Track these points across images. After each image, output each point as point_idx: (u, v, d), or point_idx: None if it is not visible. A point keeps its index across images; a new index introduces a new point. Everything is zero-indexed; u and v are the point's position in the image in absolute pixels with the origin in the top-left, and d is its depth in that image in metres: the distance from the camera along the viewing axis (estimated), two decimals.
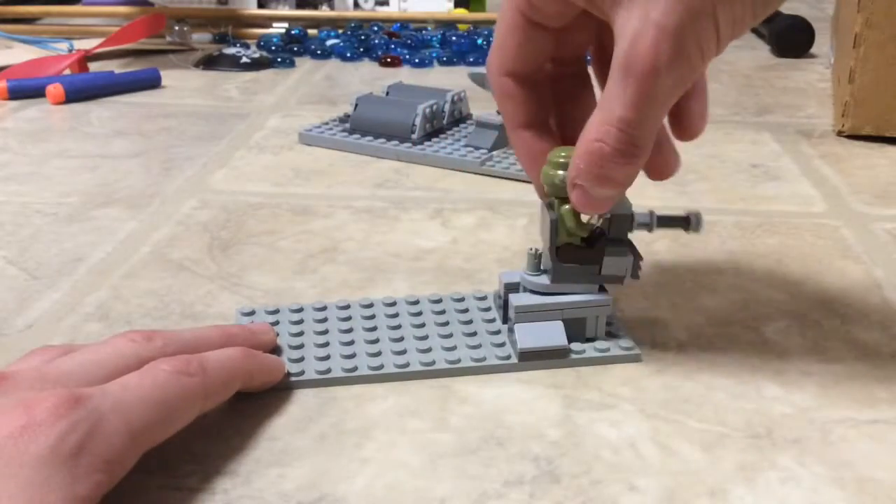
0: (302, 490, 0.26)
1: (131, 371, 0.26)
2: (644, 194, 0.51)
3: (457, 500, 0.26)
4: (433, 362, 0.32)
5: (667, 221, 0.34)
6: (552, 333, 0.33)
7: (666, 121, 0.31)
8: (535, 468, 0.27)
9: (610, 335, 0.34)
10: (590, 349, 0.33)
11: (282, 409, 0.30)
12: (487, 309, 0.36)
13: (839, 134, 0.62)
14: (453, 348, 0.33)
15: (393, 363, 0.32)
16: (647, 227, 0.33)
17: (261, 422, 0.30)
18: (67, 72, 0.76)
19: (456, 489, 0.26)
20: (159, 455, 0.27)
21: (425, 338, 0.34)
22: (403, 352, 0.33)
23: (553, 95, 0.34)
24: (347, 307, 0.36)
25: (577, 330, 0.34)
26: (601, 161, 0.28)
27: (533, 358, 0.33)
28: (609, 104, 0.27)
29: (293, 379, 0.31)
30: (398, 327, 0.35)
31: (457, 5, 1.04)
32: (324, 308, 0.36)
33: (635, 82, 0.26)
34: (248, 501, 0.26)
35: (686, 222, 0.33)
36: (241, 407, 0.30)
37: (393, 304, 0.36)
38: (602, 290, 0.34)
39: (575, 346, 0.33)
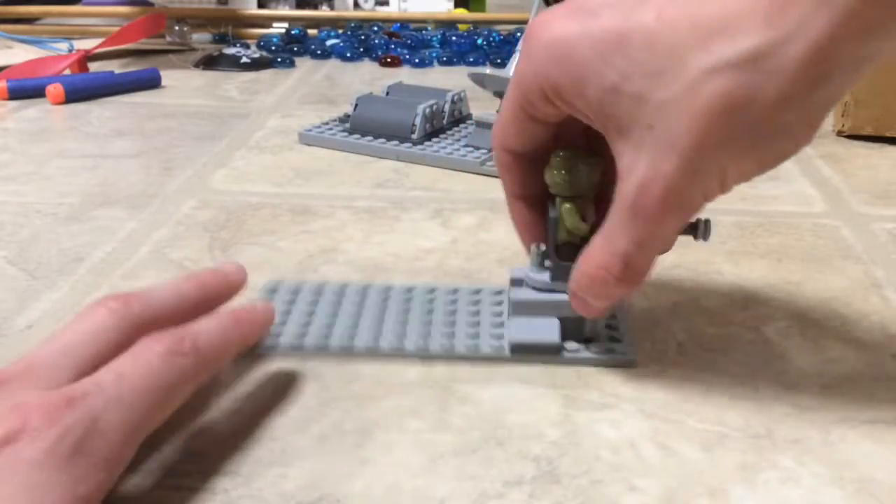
0: (302, 490, 0.26)
1: (116, 346, 0.26)
2: None
3: (457, 500, 0.26)
4: (427, 346, 0.33)
5: None
6: (546, 329, 0.33)
7: None
8: (535, 468, 0.27)
9: (612, 338, 0.34)
10: (584, 349, 0.33)
11: (282, 409, 0.30)
12: (500, 303, 0.36)
13: (839, 134, 0.62)
14: (451, 335, 0.34)
15: (389, 343, 0.33)
16: None
17: (261, 422, 0.30)
18: (67, 72, 0.76)
19: (456, 489, 0.26)
20: (159, 455, 0.27)
21: (429, 323, 0.35)
22: (403, 334, 0.34)
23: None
24: (366, 288, 0.37)
25: (574, 329, 0.33)
26: (604, 285, 0.30)
27: (524, 352, 0.33)
28: (614, 236, 0.29)
29: (290, 346, 0.33)
30: (407, 311, 0.36)
31: (457, 5, 1.04)
32: (345, 287, 0.37)
33: (642, 225, 0.28)
34: (248, 501, 0.26)
35: (694, 229, 0.32)
36: (241, 407, 0.30)
37: (410, 290, 0.37)
38: None
39: (570, 345, 0.33)
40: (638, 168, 0.27)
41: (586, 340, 0.34)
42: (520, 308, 0.33)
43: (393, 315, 0.35)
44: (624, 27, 0.26)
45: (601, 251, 0.29)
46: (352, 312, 0.36)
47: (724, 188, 0.28)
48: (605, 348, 0.33)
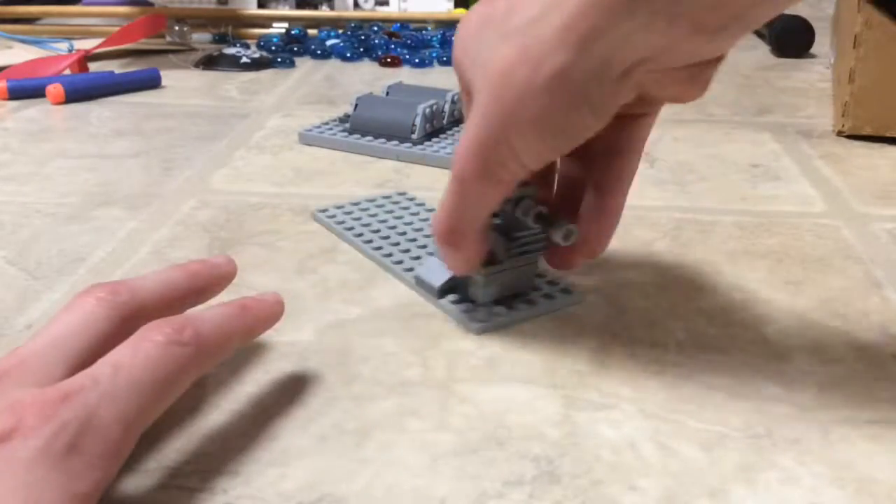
0: (302, 490, 0.26)
1: (107, 336, 0.26)
2: (643, 194, 0.51)
3: (457, 500, 0.26)
4: (390, 254, 0.41)
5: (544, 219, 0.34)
6: (437, 275, 0.37)
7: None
8: (535, 468, 0.27)
9: (495, 312, 0.36)
10: (451, 304, 0.36)
11: (282, 409, 0.30)
12: None
13: (839, 134, 0.62)
14: (416, 258, 0.40)
15: (371, 245, 0.42)
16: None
17: (261, 422, 0.30)
18: (67, 72, 0.76)
19: (456, 489, 0.26)
20: (159, 455, 0.27)
21: (420, 248, 0.41)
22: (388, 245, 0.42)
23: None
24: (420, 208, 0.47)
25: (463, 285, 0.37)
26: (436, 237, 0.33)
27: (419, 285, 0.38)
28: (445, 196, 0.31)
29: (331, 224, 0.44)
30: (415, 233, 0.43)
31: (457, 5, 1.04)
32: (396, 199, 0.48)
33: (458, 186, 0.30)
34: (248, 501, 0.26)
35: (559, 229, 0.33)
36: (240, 406, 0.30)
37: None
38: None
39: (450, 296, 0.37)
40: (464, 133, 0.29)
41: (468, 299, 0.36)
42: (438, 252, 0.37)
43: (398, 234, 0.43)
44: (496, 5, 0.28)
45: (438, 210, 0.32)
46: (376, 221, 0.45)
47: (522, 165, 0.29)
48: (460, 308, 0.36)
